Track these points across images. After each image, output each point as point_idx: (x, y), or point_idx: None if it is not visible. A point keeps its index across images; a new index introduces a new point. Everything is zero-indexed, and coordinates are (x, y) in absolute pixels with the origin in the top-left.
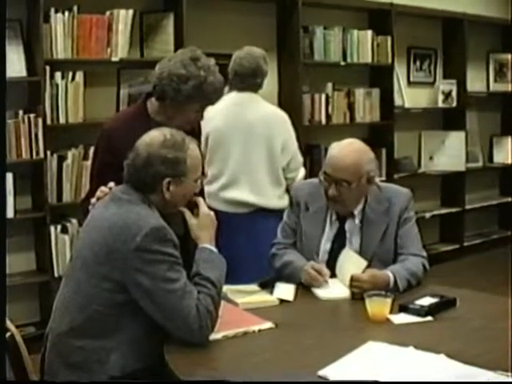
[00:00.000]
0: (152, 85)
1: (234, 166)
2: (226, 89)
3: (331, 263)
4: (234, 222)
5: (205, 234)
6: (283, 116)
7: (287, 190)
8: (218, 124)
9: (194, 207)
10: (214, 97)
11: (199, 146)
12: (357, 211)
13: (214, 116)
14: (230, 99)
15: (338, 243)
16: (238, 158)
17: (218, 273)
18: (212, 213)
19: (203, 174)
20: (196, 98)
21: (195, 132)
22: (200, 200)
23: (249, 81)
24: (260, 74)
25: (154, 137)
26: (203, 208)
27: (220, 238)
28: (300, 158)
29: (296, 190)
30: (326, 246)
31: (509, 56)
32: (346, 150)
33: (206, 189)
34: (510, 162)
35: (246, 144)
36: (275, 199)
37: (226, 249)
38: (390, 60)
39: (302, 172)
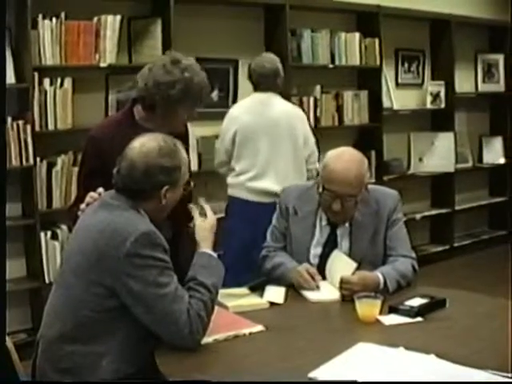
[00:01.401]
0: (137, 96)
1: (263, 159)
2: (215, 92)
3: (322, 267)
4: (258, 210)
5: (208, 236)
6: (302, 113)
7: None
8: (245, 121)
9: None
10: (202, 95)
11: (187, 150)
12: None
13: (241, 115)
14: (255, 99)
15: (329, 247)
16: (267, 151)
17: (215, 279)
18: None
19: (190, 175)
20: (186, 99)
21: (182, 136)
22: (206, 206)
23: (271, 81)
24: (279, 75)
25: (148, 145)
26: (210, 212)
27: (241, 225)
28: (317, 152)
29: (284, 194)
30: (316, 250)
31: (497, 56)
32: (346, 164)
33: (232, 180)
34: (499, 162)
35: (273, 139)
36: None
37: (248, 236)
38: (377, 62)
39: (317, 166)
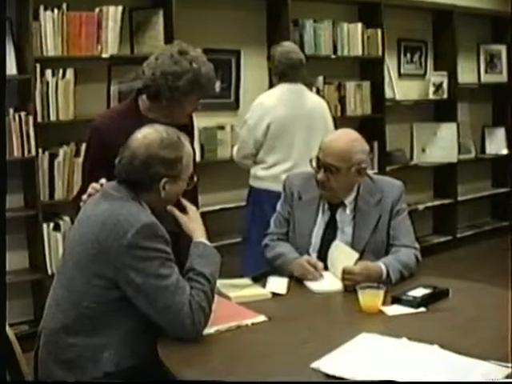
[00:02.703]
0: (143, 85)
1: (299, 150)
2: (218, 83)
3: (323, 252)
4: None
5: (197, 226)
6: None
7: None
8: (281, 114)
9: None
10: (209, 86)
11: (191, 142)
12: (348, 201)
13: (275, 106)
14: (287, 90)
15: (330, 232)
16: (303, 143)
17: (213, 268)
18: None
19: (195, 169)
20: (193, 91)
21: (188, 128)
22: (183, 201)
23: (299, 72)
24: (304, 65)
25: (150, 136)
26: (188, 204)
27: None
28: None
29: (290, 180)
30: (318, 233)
31: (499, 47)
32: (339, 137)
33: (263, 173)
34: (502, 152)
35: (309, 130)
36: None
37: None
38: (380, 53)
39: None
